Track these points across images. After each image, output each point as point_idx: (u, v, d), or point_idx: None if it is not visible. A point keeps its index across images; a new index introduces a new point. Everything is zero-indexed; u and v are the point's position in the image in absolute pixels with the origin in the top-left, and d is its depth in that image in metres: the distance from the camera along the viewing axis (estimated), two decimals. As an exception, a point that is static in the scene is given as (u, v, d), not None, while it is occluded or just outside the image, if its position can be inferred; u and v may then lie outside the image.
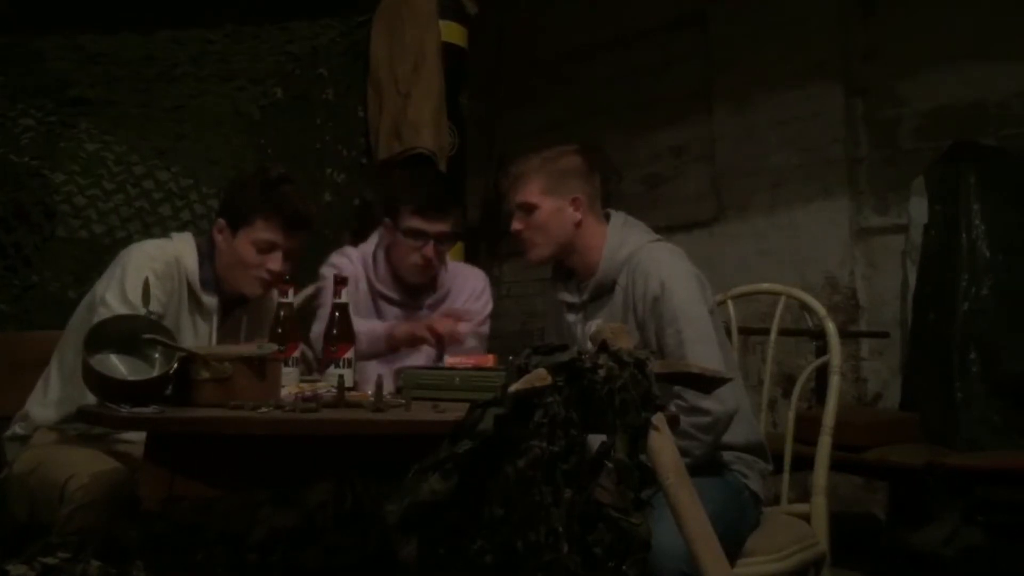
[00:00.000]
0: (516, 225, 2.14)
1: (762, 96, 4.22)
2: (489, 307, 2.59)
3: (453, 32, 3.64)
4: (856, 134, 3.99)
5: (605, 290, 2.07)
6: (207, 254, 2.12)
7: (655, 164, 4.71)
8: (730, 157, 4.38)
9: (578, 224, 2.09)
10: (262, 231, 2.05)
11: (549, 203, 2.09)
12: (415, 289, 2.49)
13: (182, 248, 2.11)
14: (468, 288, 2.57)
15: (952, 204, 3.36)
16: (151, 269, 1.99)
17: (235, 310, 2.18)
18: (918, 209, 3.57)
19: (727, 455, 1.97)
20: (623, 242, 2.07)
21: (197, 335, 2.09)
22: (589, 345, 1.97)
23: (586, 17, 5.00)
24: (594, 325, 2.04)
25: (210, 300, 2.10)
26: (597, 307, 2.09)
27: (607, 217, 2.15)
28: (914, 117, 3.82)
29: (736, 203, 4.34)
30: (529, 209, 2.10)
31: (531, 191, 2.10)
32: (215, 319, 2.12)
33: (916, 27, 3.78)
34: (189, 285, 2.09)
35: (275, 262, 2.07)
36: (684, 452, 1.63)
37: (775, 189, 4.18)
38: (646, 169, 4.74)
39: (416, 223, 2.35)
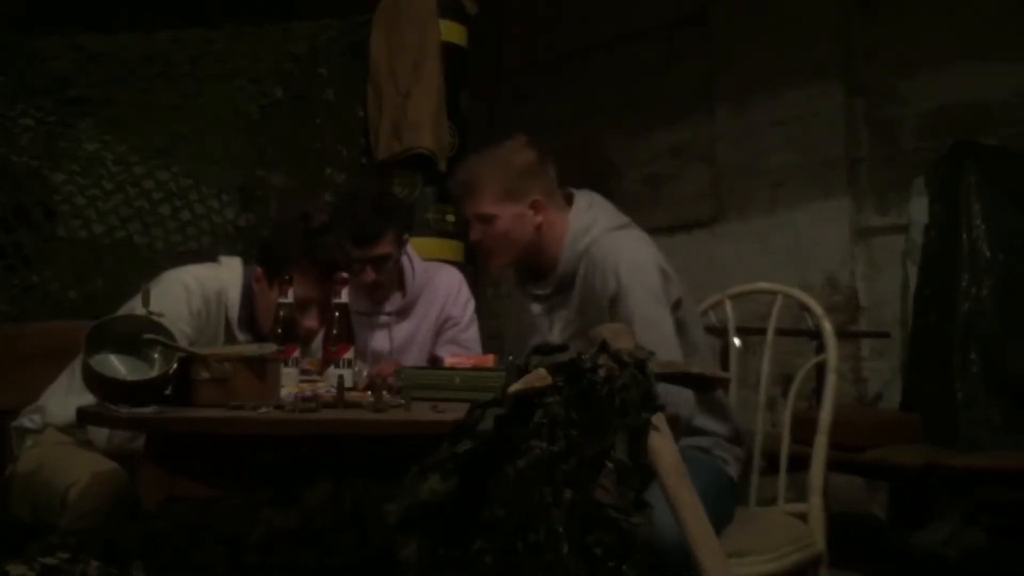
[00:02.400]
0: (475, 235, 2.03)
1: (762, 96, 4.21)
2: (471, 306, 2.55)
3: (453, 32, 3.64)
4: (856, 134, 3.98)
5: (567, 282, 1.99)
6: (251, 290, 2.07)
7: (655, 164, 4.71)
8: (730, 157, 4.37)
9: (539, 227, 2.00)
10: (298, 287, 1.98)
11: (507, 210, 1.98)
12: (376, 299, 2.46)
13: (228, 279, 2.06)
14: (443, 291, 2.53)
15: (952, 204, 3.35)
16: (187, 304, 1.95)
17: None
18: (918, 209, 3.57)
19: (705, 440, 1.95)
20: (585, 230, 1.97)
21: None
22: (554, 336, 1.96)
23: (586, 16, 5.00)
24: (557, 318, 2.00)
25: (244, 339, 2.06)
26: (562, 300, 2.01)
27: (569, 199, 2.05)
28: (914, 117, 3.82)
29: (736, 203, 4.34)
30: (487, 219, 1.99)
31: (487, 201, 1.98)
32: None
33: (916, 27, 3.78)
34: (227, 320, 2.03)
35: (311, 319, 2.03)
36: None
37: (775, 189, 4.18)
38: (646, 169, 4.74)
39: (351, 252, 2.31)
